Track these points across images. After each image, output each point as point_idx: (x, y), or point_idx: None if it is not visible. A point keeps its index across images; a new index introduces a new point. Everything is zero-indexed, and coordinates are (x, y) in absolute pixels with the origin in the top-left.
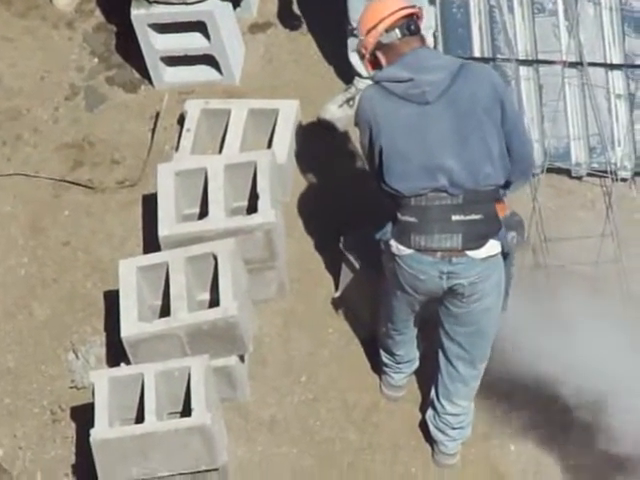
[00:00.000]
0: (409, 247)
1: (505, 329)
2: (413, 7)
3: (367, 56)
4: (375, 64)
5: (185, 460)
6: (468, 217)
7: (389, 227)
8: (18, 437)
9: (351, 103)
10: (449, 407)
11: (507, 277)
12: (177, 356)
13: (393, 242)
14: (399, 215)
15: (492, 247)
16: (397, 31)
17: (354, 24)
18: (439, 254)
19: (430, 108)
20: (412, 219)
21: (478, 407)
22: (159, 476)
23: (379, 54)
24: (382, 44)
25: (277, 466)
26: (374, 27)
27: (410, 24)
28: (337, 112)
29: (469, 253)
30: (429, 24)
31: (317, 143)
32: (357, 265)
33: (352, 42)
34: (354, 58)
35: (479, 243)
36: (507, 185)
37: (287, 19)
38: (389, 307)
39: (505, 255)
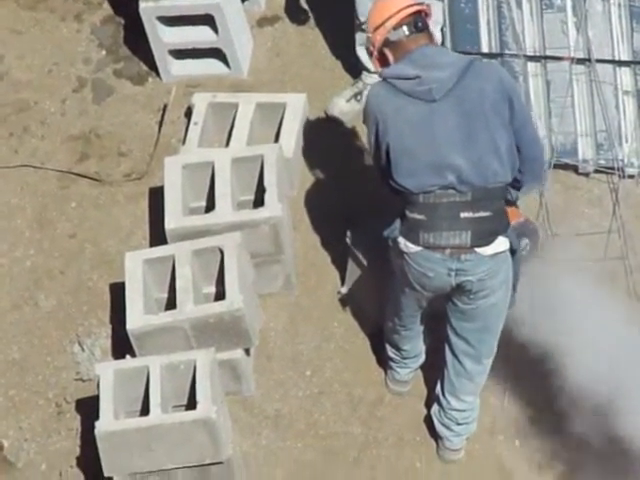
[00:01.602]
0: (417, 244)
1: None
2: (421, 4)
3: (375, 53)
4: (383, 61)
5: (190, 453)
6: (477, 214)
7: (397, 224)
8: (23, 429)
9: (359, 98)
10: (454, 403)
11: (515, 274)
12: (182, 349)
13: (401, 239)
14: (407, 212)
15: (500, 244)
16: (405, 28)
17: (362, 18)
18: (448, 251)
19: (437, 105)
20: (420, 216)
21: (483, 403)
22: (164, 469)
23: (387, 51)
24: (390, 41)
25: (282, 460)
26: (382, 24)
27: (418, 21)
28: (345, 107)
29: (478, 250)
30: (437, 19)
31: (324, 137)
32: (364, 260)
33: (360, 36)
34: (362, 52)
35: (488, 240)
36: (519, 187)
37: (295, 13)
38: (396, 303)
39: (513, 252)
